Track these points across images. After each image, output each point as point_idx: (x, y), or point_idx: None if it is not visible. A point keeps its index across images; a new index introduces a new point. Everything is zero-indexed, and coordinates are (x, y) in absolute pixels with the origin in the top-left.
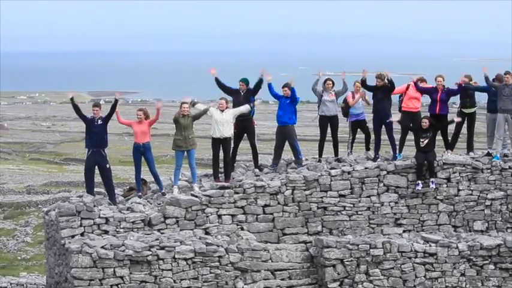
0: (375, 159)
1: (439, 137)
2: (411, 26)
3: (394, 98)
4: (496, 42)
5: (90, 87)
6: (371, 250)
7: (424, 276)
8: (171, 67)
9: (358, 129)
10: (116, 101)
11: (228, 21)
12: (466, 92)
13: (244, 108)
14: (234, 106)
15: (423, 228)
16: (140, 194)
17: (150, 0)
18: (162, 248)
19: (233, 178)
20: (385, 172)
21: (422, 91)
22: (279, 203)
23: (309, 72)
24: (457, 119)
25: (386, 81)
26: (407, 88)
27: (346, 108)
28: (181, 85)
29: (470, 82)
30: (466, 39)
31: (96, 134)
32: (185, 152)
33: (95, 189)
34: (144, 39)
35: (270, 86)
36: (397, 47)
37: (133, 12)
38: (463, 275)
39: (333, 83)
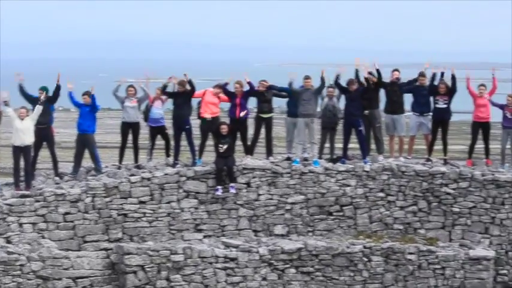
0: (174, 165)
1: (238, 142)
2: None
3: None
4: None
5: None
6: (172, 256)
7: (226, 281)
8: None
9: (158, 136)
10: None
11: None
12: (264, 97)
13: (37, 109)
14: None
15: (224, 233)
16: None
17: None
18: None
19: (34, 186)
20: (184, 178)
21: (226, 95)
22: (79, 211)
23: (109, 79)
24: None
25: (188, 86)
26: (204, 94)
27: (146, 113)
28: None
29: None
30: (265, 44)
31: None
32: None
33: None
34: None
35: (70, 94)
36: (193, 53)
37: None
38: (264, 279)
39: (135, 90)
